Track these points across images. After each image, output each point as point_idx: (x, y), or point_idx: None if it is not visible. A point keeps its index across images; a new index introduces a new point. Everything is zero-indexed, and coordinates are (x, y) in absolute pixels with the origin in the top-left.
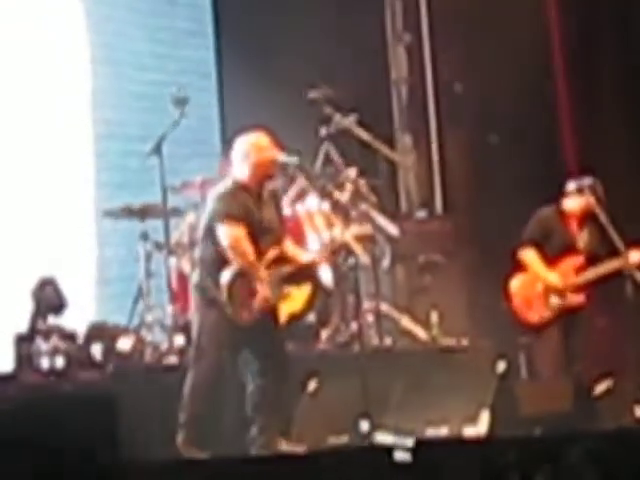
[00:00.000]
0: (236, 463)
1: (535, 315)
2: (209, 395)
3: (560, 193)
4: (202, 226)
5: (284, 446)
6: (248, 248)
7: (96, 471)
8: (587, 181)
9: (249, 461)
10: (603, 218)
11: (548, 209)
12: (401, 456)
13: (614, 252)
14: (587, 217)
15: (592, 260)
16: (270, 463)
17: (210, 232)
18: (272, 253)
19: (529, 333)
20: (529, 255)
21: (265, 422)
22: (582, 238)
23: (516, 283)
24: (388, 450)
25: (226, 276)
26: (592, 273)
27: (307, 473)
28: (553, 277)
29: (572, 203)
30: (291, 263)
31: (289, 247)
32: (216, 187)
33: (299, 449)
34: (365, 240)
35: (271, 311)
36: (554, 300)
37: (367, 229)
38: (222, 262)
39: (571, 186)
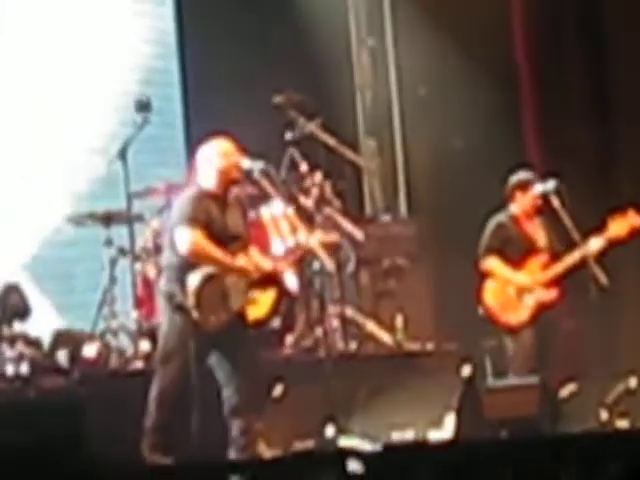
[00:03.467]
0: (202, 468)
1: (513, 317)
2: (175, 401)
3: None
4: (168, 232)
5: (264, 448)
6: (210, 248)
7: (61, 476)
8: (551, 184)
9: (214, 466)
10: (568, 222)
11: (500, 216)
12: (354, 467)
13: (575, 244)
14: (537, 211)
15: (555, 255)
16: (235, 468)
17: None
18: (240, 260)
19: (496, 336)
20: (493, 263)
21: (244, 424)
22: (541, 237)
23: (488, 293)
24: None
25: (194, 281)
26: (558, 267)
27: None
28: (521, 277)
29: (520, 205)
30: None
31: (253, 255)
32: (181, 193)
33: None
34: (331, 247)
35: (239, 314)
36: (528, 300)
37: (333, 237)
38: (189, 267)
39: (515, 184)
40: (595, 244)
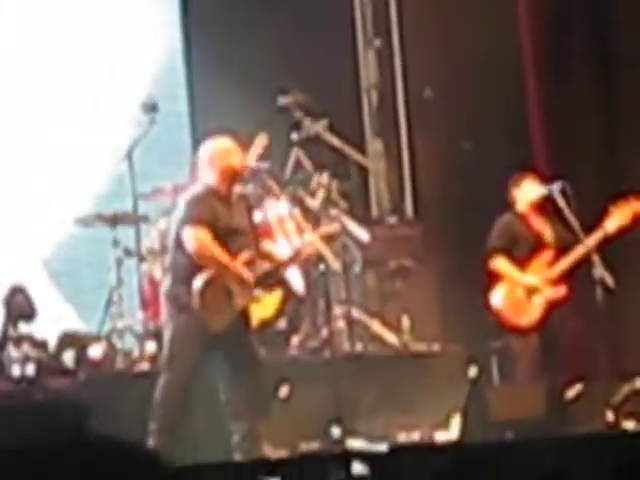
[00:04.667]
0: (209, 470)
1: (524, 319)
2: (180, 402)
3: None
4: (172, 232)
5: (269, 450)
6: (216, 249)
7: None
8: (557, 185)
9: (219, 467)
10: (573, 222)
11: (507, 216)
12: (359, 469)
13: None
14: (543, 208)
15: (563, 251)
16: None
17: (180, 238)
18: (245, 256)
19: (502, 337)
20: (501, 264)
21: (247, 427)
22: (547, 233)
23: (498, 296)
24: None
25: (199, 283)
26: (564, 263)
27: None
28: (529, 278)
29: (521, 200)
30: (269, 261)
31: (265, 246)
32: (186, 193)
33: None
34: (333, 239)
35: (243, 315)
36: (538, 299)
37: (334, 227)
38: (194, 268)
39: (510, 185)
40: (592, 240)
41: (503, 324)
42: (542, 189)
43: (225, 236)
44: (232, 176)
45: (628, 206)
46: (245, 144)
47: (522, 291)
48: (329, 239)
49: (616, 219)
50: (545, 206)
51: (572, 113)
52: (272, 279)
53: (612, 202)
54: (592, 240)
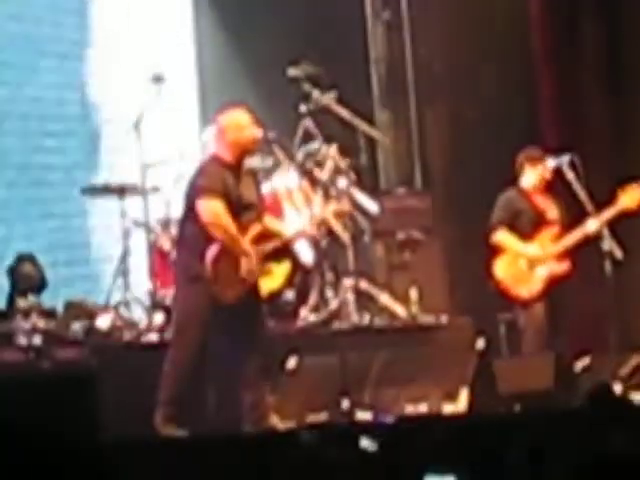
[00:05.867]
0: (219, 441)
1: (525, 290)
2: (190, 373)
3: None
4: (183, 203)
5: (277, 421)
6: (229, 222)
7: (76, 449)
8: (565, 157)
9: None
10: (582, 194)
11: (510, 191)
12: (367, 444)
13: (589, 216)
14: (546, 185)
15: (566, 228)
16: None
17: (191, 209)
18: (254, 229)
19: (511, 310)
20: (503, 236)
21: (255, 398)
22: (551, 210)
23: (500, 267)
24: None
25: (211, 253)
26: (569, 239)
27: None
28: (532, 249)
29: (529, 178)
30: (275, 238)
31: (270, 222)
32: (197, 164)
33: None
34: (343, 217)
35: (253, 287)
36: (540, 271)
37: (345, 205)
38: (205, 239)
39: (523, 158)
40: (592, 226)
41: (504, 295)
42: (551, 161)
43: (236, 209)
44: (245, 149)
45: (635, 191)
46: (255, 116)
47: (524, 262)
48: (339, 216)
49: (622, 203)
50: (550, 182)
51: (584, 91)
52: (280, 254)
53: (621, 175)
54: (587, 229)
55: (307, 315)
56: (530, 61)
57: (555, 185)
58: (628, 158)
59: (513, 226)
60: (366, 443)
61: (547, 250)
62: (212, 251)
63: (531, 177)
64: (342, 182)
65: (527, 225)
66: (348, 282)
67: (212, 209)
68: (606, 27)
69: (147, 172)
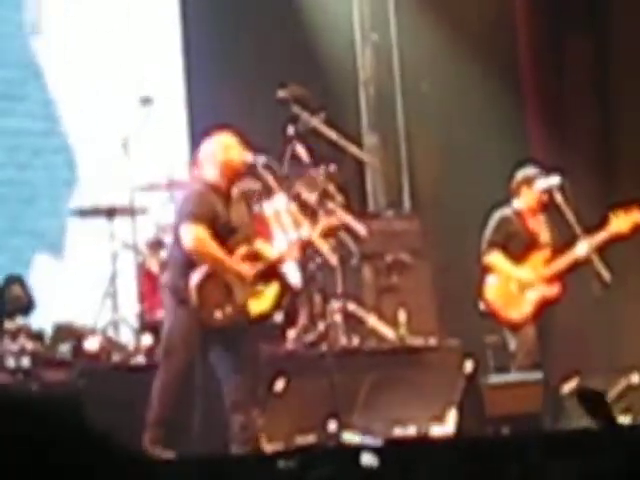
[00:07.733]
0: (204, 462)
1: (515, 313)
2: (178, 395)
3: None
4: (172, 227)
5: (264, 442)
6: (212, 246)
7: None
8: (555, 179)
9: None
10: (570, 217)
11: (505, 211)
12: (368, 459)
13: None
14: (542, 207)
15: (558, 251)
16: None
17: (178, 232)
18: (242, 250)
19: (498, 332)
20: (496, 258)
21: (245, 419)
22: (543, 233)
23: (490, 288)
24: (356, 452)
25: (195, 278)
26: (560, 263)
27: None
28: (524, 272)
29: (525, 199)
30: (262, 260)
31: (259, 245)
32: (186, 188)
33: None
34: (333, 233)
35: (242, 308)
36: (531, 295)
37: (333, 220)
38: (193, 263)
39: (521, 179)
40: (582, 249)
41: (493, 317)
42: (539, 183)
43: (224, 233)
44: (234, 172)
45: (628, 215)
46: (244, 139)
47: (515, 285)
48: (330, 232)
49: (614, 227)
50: (545, 204)
51: (571, 106)
52: (269, 276)
53: (611, 199)
54: (577, 253)
55: (295, 337)
56: (519, 82)
57: (548, 207)
58: (618, 179)
59: (506, 247)
60: (368, 459)
61: (538, 273)
62: (197, 276)
63: (527, 198)
64: (330, 205)
65: (519, 247)
66: (336, 304)
67: (194, 235)
68: (594, 46)
69: (135, 194)
